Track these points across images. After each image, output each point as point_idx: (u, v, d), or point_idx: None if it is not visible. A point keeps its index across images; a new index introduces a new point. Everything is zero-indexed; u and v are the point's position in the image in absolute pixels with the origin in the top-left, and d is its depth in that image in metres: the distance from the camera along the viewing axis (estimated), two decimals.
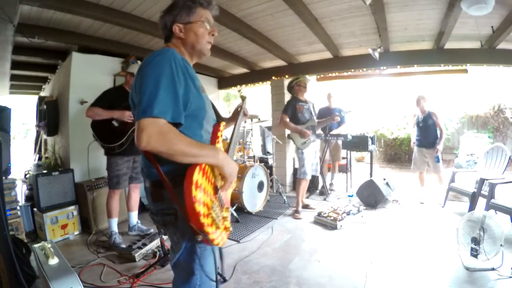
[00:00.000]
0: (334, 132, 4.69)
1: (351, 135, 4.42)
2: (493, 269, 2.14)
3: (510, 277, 2.06)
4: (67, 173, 3.21)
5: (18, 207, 2.79)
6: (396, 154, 7.72)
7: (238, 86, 5.73)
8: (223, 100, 8.55)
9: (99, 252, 2.66)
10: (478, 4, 2.37)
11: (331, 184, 4.99)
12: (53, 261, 1.65)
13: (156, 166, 0.98)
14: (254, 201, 3.77)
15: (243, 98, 1.60)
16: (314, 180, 4.42)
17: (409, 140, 7.31)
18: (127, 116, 2.70)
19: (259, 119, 4.56)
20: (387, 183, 4.24)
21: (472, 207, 3.17)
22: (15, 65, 4.07)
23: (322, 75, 4.98)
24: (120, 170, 2.79)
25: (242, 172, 3.57)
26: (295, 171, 4.90)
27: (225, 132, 1.49)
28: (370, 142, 4.58)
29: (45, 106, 4.04)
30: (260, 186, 3.86)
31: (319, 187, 4.76)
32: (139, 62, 3.88)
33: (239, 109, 1.49)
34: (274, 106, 5.12)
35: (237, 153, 4.35)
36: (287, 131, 4.88)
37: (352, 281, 2.13)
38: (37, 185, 2.95)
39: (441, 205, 3.87)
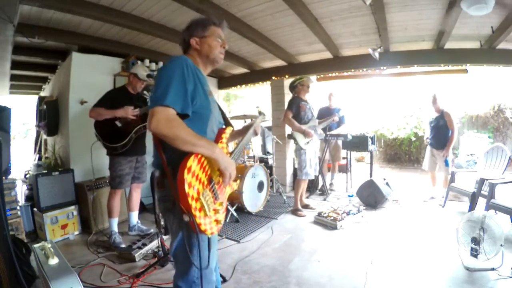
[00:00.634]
0: (334, 132, 4.70)
1: (351, 135, 4.42)
2: (493, 269, 2.14)
3: (510, 277, 2.06)
4: (67, 173, 3.21)
5: (18, 207, 2.79)
6: (396, 154, 7.72)
7: (238, 86, 5.74)
8: (223, 100, 8.55)
9: (99, 252, 2.66)
10: (478, 4, 2.37)
11: (331, 184, 4.99)
12: (53, 261, 1.65)
13: (161, 154, 1.13)
14: (254, 201, 3.77)
15: (260, 113, 1.78)
16: (314, 180, 4.42)
17: (409, 140, 7.33)
18: (130, 112, 2.70)
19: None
20: (387, 183, 4.25)
21: (472, 207, 3.17)
22: (15, 65, 4.07)
23: (322, 75, 4.98)
24: (123, 170, 2.79)
25: (242, 172, 3.57)
26: (295, 171, 4.90)
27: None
28: (370, 142, 4.57)
29: (45, 106, 4.04)
30: (260, 186, 3.86)
31: (319, 187, 4.76)
32: (139, 62, 3.89)
33: (252, 123, 1.63)
34: (274, 106, 5.12)
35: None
36: (287, 131, 4.90)
37: (352, 281, 2.13)
38: (37, 185, 2.96)
39: (441, 205, 3.87)
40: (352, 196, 4.13)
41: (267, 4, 2.90)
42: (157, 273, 2.28)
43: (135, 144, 2.82)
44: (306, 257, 2.54)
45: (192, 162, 1.06)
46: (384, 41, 3.66)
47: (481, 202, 3.11)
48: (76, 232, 3.10)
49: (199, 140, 1.09)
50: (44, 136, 4.65)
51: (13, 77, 4.84)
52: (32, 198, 3.28)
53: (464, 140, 6.33)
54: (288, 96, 5.09)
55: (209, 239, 1.20)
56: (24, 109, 10.51)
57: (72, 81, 3.49)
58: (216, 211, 1.18)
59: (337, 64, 4.52)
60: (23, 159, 6.26)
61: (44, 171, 3.35)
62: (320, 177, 4.54)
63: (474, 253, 2.23)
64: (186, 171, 1.02)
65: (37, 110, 4.92)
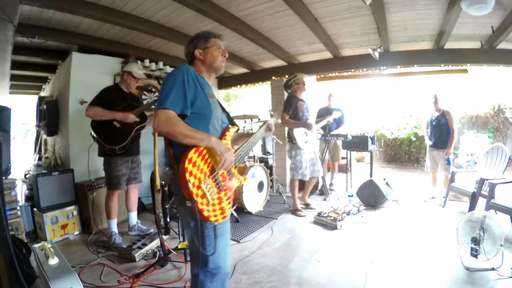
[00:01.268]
0: (333, 132, 4.69)
1: (351, 135, 4.42)
2: (493, 269, 2.14)
3: (510, 277, 2.06)
4: (67, 173, 3.21)
5: (18, 207, 2.78)
6: (396, 154, 7.72)
7: (238, 86, 5.74)
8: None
9: (99, 252, 2.66)
10: (478, 4, 2.37)
11: (331, 184, 4.99)
12: (53, 261, 1.65)
13: (169, 151, 1.28)
14: (254, 201, 3.78)
15: (272, 116, 1.97)
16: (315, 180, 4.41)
17: (409, 140, 7.33)
18: (131, 119, 2.68)
19: (259, 119, 4.56)
20: (387, 183, 4.24)
21: (472, 207, 3.17)
22: (15, 65, 4.07)
23: (322, 75, 4.98)
24: (119, 170, 2.76)
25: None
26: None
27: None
28: (370, 142, 4.57)
29: (45, 106, 4.04)
30: (260, 186, 3.87)
31: (319, 187, 4.76)
32: (139, 62, 3.89)
33: (264, 122, 1.75)
34: (274, 106, 5.11)
35: None
36: (287, 131, 4.90)
37: (352, 281, 2.13)
38: (37, 185, 2.95)
39: (441, 205, 3.87)
40: (352, 196, 4.12)
41: (267, 4, 2.90)
42: (157, 273, 2.27)
43: (132, 144, 2.78)
44: (306, 257, 2.54)
45: (193, 154, 1.20)
46: (384, 41, 3.66)
47: (481, 202, 3.11)
48: (76, 232, 3.10)
49: (197, 134, 1.24)
50: (44, 136, 4.65)
51: (13, 77, 4.85)
52: (32, 198, 3.28)
53: (464, 140, 6.33)
54: None
55: (215, 228, 1.28)
56: (24, 109, 10.51)
57: (72, 81, 3.49)
58: (220, 200, 1.29)
59: (337, 64, 4.53)
60: (23, 159, 6.26)
61: (44, 171, 3.35)
62: (320, 177, 4.53)
63: (474, 253, 2.22)
64: (186, 161, 1.16)
65: (37, 110, 4.92)
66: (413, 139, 7.28)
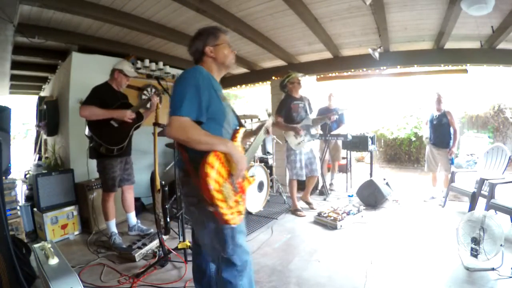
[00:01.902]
0: (333, 132, 4.69)
1: (351, 135, 4.41)
2: (493, 269, 2.14)
3: (510, 277, 2.06)
4: (67, 173, 3.21)
5: (18, 207, 2.78)
6: (396, 154, 7.72)
7: (238, 86, 5.74)
8: None
9: (99, 252, 2.66)
10: (478, 4, 2.37)
11: (331, 184, 4.99)
12: (53, 261, 1.65)
13: (183, 155, 1.28)
14: (254, 201, 3.77)
15: (269, 115, 1.90)
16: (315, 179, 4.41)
17: (409, 140, 7.33)
18: (128, 115, 2.65)
19: (259, 119, 4.56)
20: (387, 183, 4.24)
21: (472, 207, 3.17)
22: (15, 65, 4.07)
23: (322, 75, 4.99)
24: (115, 172, 2.72)
25: None
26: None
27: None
28: (370, 142, 4.57)
29: (45, 106, 4.04)
30: (260, 186, 3.86)
31: (319, 187, 4.76)
32: (139, 62, 3.88)
33: (262, 124, 1.71)
34: (274, 106, 5.09)
35: None
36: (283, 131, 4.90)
37: (352, 281, 2.13)
38: (37, 185, 2.95)
39: (441, 205, 3.87)
40: (352, 196, 4.12)
41: (267, 4, 2.90)
42: (157, 273, 2.27)
43: (126, 145, 2.75)
44: (306, 257, 2.54)
45: (212, 158, 1.19)
46: (384, 41, 3.67)
47: (481, 202, 3.11)
48: (76, 232, 3.10)
49: (212, 138, 1.22)
50: (44, 136, 4.65)
51: (13, 77, 4.85)
52: (32, 198, 3.28)
53: (464, 140, 6.33)
54: None
55: (234, 230, 1.29)
56: (24, 109, 10.52)
57: (72, 81, 3.49)
58: (237, 203, 1.30)
59: (337, 64, 4.53)
60: (23, 159, 6.26)
61: (44, 171, 3.35)
62: (320, 177, 4.53)
63: (474, 253, 2.22)
64: (207, 166, 1.15)
65: (37, 110, 4.93)
66: (413, 139, 7.28)
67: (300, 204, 3.86)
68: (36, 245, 1.84)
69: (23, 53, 3.66)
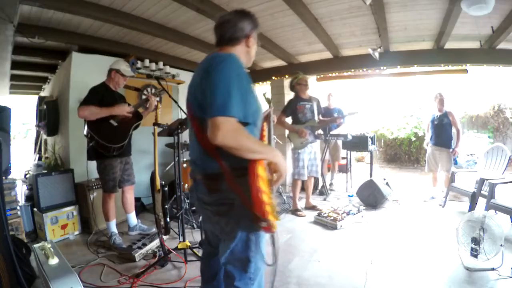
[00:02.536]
0: (333, 132, 4.69)
1: (351, 135, 4.42)
2: (493, 269, 2.14)
3: (510, 277, 2.06)
4: (67, 173, 3.21)
5: (18, 207, 2.78)
6: (396, 154, 7.72)
7: None
8: None
9: (99, 252, 2.66)
10: (478, 4, 2.37)
11: (331, 184, 4.99)
12: (53, 261, 1.65)
13: (219, 161, 1.09)
14: None
15: (268, 101, 1.78)
16: (314, 180, 4.42)
17: (409, 140, 7.33)
18: (128, 109, 2.63)
19: None
20: (387, 183, 4.24)
21: (472, 207, 3.17)
22: (15, 65, 4.07)
23: (322, 75, 4.99)
24: (115, 173, 2.72)
25: None
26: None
27: None
28: (370, 142, 4.57)
29: (45, 106, 4.04)
30: None
31: (319, 187, 4.76)
32: (139, 62, 3.88)
33: (268, 115, 1.59)
34: (274, 106, 5.06)
35: None
36: (287, 131, 4.90)
37: (352, 281, 2.13)
38: (37, 185, 2.95)
39: (441, 205, 3.87)
40: (352, 196, 4.13)
41: (267, 4, 2.89)
42: (157, 273, 2.27)
43: (125, 145, 2.75)
44: (306, 257, 2.54)
45: (261, 170, 1.05)
46: (384, 41, 3.66)
47: (481, 202, 3.11)
48: (76, 232, 3.10)
49: (263, 147, 1.09)
50: (44, 136, 4.65)
51: (13, 77, 4.84)
52: (32, 198, 3.28)
53: (464, 140, 6.33)
54: (288, 96, 5.10)
55: (271, 235, 1.21)
56: (24, 109, 10.52)
57: (72, 81, 3.49)
58: (275, 208, 1.20)
59: (337, 64, 4.52)
60: (23, 159, 6.26)
61: (44, 171, 3.35)
62: (320, 177, 4.53)
63: (474, 253, 2.22)
64: (260, 180, 1.02)
65: (37, 110, 4.93)
66: (413, 139, 7.28)
67: (301, 205, 3.86)
68: (36, 245, 1.84)
69: (23, 53, 3.65)
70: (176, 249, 2.39)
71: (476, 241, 2.22)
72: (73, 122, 3.49)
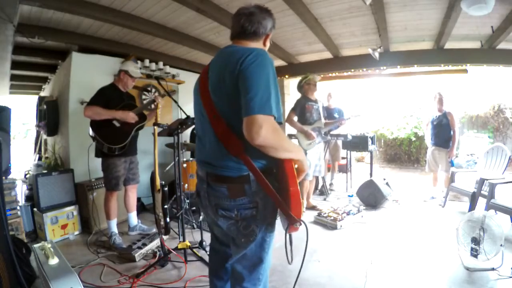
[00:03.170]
0: (333, 132, 4.69)
1: (351, 135, 4.41)
2: (493, 269, 2.14)
3: (510, 277, 2.06)
4: (67, 173, 3.21)
5: (18, 207, 2.78)
6: (396, 154, 7.72)
7: None
8: None
9: (99, 252, 2.66)
10: (478, 4, 2.37)
11: (331, 184, 4.99)
12: (53, 261, 1.65)
13: (248, 161, 1.03)
14: None
15: None
16: (314, 180, 4.42)
17: (409, 140, 7.33)
18: (131, 117, 2.66)
19: None
20: (387, 183, 4.24)
21: (472, 207, 3.17)
22: (15, 65, 4.07)
23: (322, 75, 4.98)
24: (118, 171, 2.74)
25: None
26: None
27: None
28: (370, 142, 4.57)
29: (45, 106, 4.04)
30: None
31: (319, 187, 4.76)
32: (139, 62, 3.89)
33: None
34: None
35: None
36: (287, 131, 4.90)
37: (352, 281, 2.13)
38: (37, 185, 2.95)
39: (441, 205, 3.87)
40: (352, 196, 4.13)
41: (267, 4, 2.82)
42: (157, 273, 2.27)
43: (129, 145, 2.76)
44: (306, 257, 2.52)
45: (295, 171, 1.04)
46: (384, 41, 3.66)
47: (481, 202, 3.11)
48: (76, 232, 3.10)
49: (295, 147, 1.07)
50: (44, 136, 4.65)
51: (13, 77, 4.85)
52: (32, 198, 3.28)
53: (464, 140, 6.33)
54: (288, 96, 5.11)
55: (273, 236, 1.24)
56: (24, 109, 10.52)
57: (72, 81, 3.49)
58: None
59: (337, 64, 4.53)
60: (23, 159, 6.26)
61: (44, 171, 3.35)
62: (320, 177, 4.53)
63: (474, 253, 2.22)
64: (296, 181, 1.01)
65: (37, 110, 4.93)
66: (413, 139, 7.28)
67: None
68: (36, 245, 1.84)
69: (23, 53, 3.65)
70: (176, 249, 2.39)
71: (476, 241, 2.22)
72: (73, 122, 3.50)
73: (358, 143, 4.64)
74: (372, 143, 4.65)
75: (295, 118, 3.64)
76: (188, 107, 2.10)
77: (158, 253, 2.53)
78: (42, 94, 5.53)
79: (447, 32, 3.28)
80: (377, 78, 6.12)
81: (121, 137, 2.69)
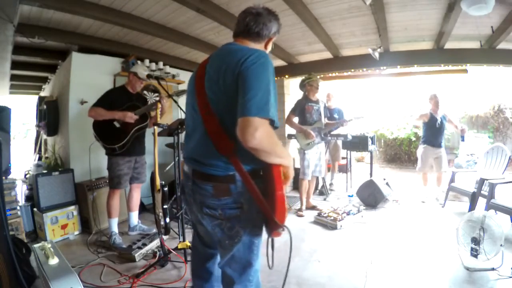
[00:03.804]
0: (333, 132, 4.69)
1: (351, 135, 4.42)
2: (493, 269, 2.14)
3: (510, 277, 2.06)
4: (67, 173, 3.21)
5: (18, 207, 2.79)
6: (396, 154, 7.72)
7: None
8: None
9: (99, 252, 2.66)
10: (478, 4, 2.37)
11: (331, 184, 4.99)
12: (53, 261, 1.65)
13: (237, 163, 1.02)
14: None
15: None
16: (314, 180, 4.42)
17: (409, 140, 7.32)
18: (129, 117, 2.68)
19: None
20: (387, 183, 4.24)
21: (472, 207, 3.17)
22: (15, 65, 4.07)
23: (322, 75, 4.98)
24: (121, 170, 2.78)
25: None
26: (295, 171, 4.90)
27: None
28: (370, 142, 4.57)
29: (45, 106, 4.04)
30: None
31: (319, 187, 4.76)
32: (139, 62, 3.89)
33: None
34: None
35: None
36: (287, 131, 4.91)
37: (352, 281, 2.13)
38: (37, 185, 2.95)
39: (441, 205, 3.87)
40: (352, 196, 4.13)
41: (267, 4, 2.83)
42: (157, 273, 2.27)
43: (134, 144, 2.81)
44: (306, 257, 2.54)
45: (281, 176, 1.03)
46: (384, 41, 3.66)
47: (481, 202, 3.11)
48: (76, 232, 3.10)
49: (285, 153, 1.05)
50: (44, 136, 4.65)
51: (13, 77, 4.85)
52: (32, 198, 3.28)
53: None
54: (288, 96, 5.11)
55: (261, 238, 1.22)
56: (24, 109, 10.52)
57: (72, 81, 3.49)
58: None
59: (337, 64, 4.52)
60: (23, 159, 6.26)
61: (44, 171, 3.35)
62: (320, 177, 4.53)
63: (474, 253, 2.23)
64: (282, 186, 1.01)
65: (37, 110, 4.92)
66: (413, 139, 7.28)
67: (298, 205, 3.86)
68: (36, 245, 1.84)
69: (23, 53, 3.65)
70: (176, 249, 2.39)
71: (476, 241, 2.22)
72: (73, 122, 3.50)
73: (358, 143, 4.64)
74: (372, 143, 4.65)
75: (295, 119, 3.65)
76: None
77: (158, 253, 2.53)
78: (42, 94, 5.53)
79: (447, 32, 3.28)
80: (377, 78, 6.12)
81: (120, 137, 2.72)
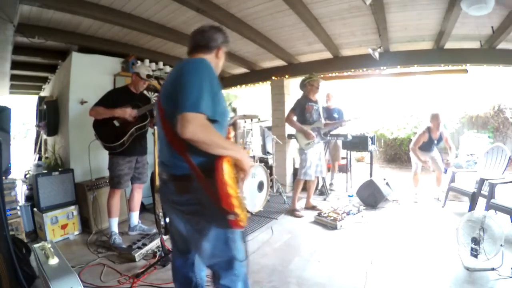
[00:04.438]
0: (333, 132, 4.69)
1: (351, 135, 4.42)
2: (493, 269, 2.14)
3: (510, 277, 2.06)
4: (67, 173, 3.21)
5: (18, 207, 2.79)
6: (396, 154, 7.72)
7: (238, 86, 5.74)
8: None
9: (99, 252, 2.66)
10: (478, 4, 2.37)
11: (331, 184, 4.99)
12: (53, 261, 1.65)
13: (188, 159, 1.13)
14: (254, 201, 3.77)
15: (234, 110, 1.75)
16: (315, 180, 4.42)
17: (409, 140, 7.32)
18: (129, 114, 2.69)
19: (259, 119, 4.56)
20: (387, 183, 4.24)
21: (472, 207, 3.17)
22: (15, 65, 4.07)
23: (322, 75, 4.98)
24: (121, 170, 2.78)
25: None
26: (295, 171, 4.91)
27: None
28: (370, 142, 4.57)
29: (45, 106, 4.04)
30: (260, 186, 3.86)
31: (319, 187, 4.76)
32: (139, 62, 3.89)
33: (235, 122, 1.66)
34: (274, 106, 5.12)
35: None
36: (287, 131, 4.91)
37: (352, 281, 2.13)
38: (37, 185, 2.95)
39: (441, 205, 3.87)
40: (352, 196, 4.13)
41: (267, 4, 2.90)
42: (157, 273, 2.27)
43: (135, 144, 2.81)
44: (306, 257, 2.54)
45: (226, 165, 1.11)
46: (384, 41, 3.66)
47: (481, 202, 3.11)
48: (76, 232, 3.10)
49: (229, 144, 1.17)
50: (44, 136, 4.65)
51: (13, 77, 4.85)
52: (32, 198, 3.28)
53: (464, 140, 6.33)
54: (288, 96, 5.11)
55: (243, 233, 1.27)
56: (24, 109, 10.52)
57: (72, 81, 3.49)
58: (244, 205, 1.25)
59: (337, 64, 4.52)
60: (23, 159, 6.25)
61: (44, 171, 3.35)
62: (320, 177, 4.53)
63: (474, 253, 2.23)
64: (225, 175, 1.08)
65: (37, 110, 4.92)
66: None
67: (300, 205, 3.86)
68: (36, 245, 1.84)
69: (23, 53, 3.65)
70: None
71: (476, 241, 2.22)
72: (73, 122, 3.50)
73: (358, 143, 4.63)
74: (372, 143, 4.65)
75: (295, 118, 3.65)
76: None
77: (158, 253, 2.53)
78: (42, 94, 5.53)
79: (447, 32, 3.28)
80: (377, 78, 6.11)
81: (120, 136, 2.72)
